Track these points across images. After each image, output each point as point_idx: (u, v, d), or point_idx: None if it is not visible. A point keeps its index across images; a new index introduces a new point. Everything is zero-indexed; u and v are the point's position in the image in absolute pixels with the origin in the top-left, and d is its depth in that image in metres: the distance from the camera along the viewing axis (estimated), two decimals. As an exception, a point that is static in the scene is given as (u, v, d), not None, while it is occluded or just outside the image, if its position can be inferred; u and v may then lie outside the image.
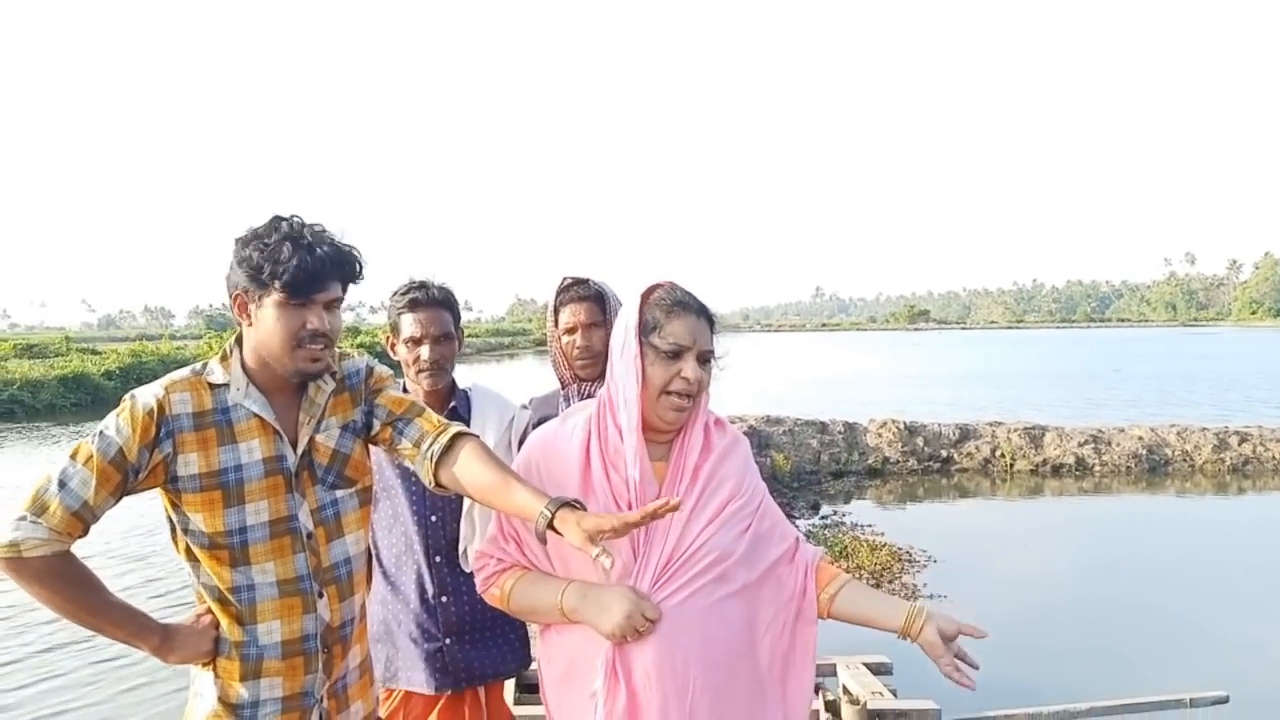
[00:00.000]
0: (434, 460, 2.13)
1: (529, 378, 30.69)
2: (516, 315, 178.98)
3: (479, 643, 2.93)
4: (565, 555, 2.16)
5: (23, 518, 1.87)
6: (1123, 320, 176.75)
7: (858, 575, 9.34)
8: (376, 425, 2.22)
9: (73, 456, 1.93)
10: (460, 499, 2.85)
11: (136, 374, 34.81)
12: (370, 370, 2.27)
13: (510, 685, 4.55)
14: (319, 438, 2.14)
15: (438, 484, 2.15)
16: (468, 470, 2.09)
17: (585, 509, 1.96)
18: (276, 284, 1.97)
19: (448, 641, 2.88)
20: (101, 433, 1.95)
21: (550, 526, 1.93)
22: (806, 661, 2.26)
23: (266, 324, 2.01)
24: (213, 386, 2.05)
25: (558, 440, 2.23)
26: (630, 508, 2.08)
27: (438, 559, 2.87)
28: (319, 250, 1.99)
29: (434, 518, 2.88)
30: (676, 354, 2.11)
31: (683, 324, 2.13)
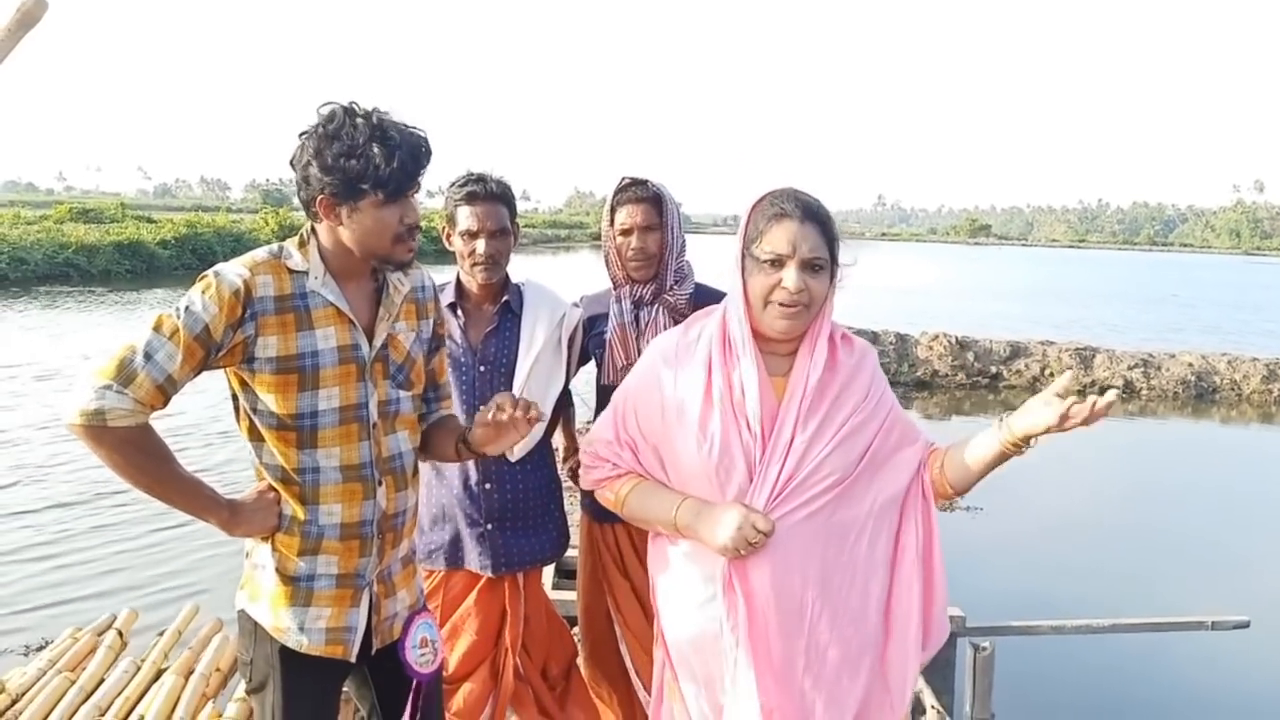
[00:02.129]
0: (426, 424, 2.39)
1: (585, 272, 30.66)
2: (575, 207, 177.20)
3: (520, 530, 3.00)
4: (683, 471, 2.17)
5: (108, 386, 1.86)
6: (1185, 245, 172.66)
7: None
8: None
9: (156, 329, 1.92)
10: (510, 386, 2.91)
11: (192, 245, 35.06)
12: (436, 293, 2.36)
13: (549, 571, 4.69)
14: (399, 336, 2.19)
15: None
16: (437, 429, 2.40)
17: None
18: (380, 192, 1.98)
19: (489, 527, 2.96)
20: (187, 308, 1.93)
21: (464, 443, 2.28)
22: (939, 573, 2.21)
23: (366, 225, 2.02)
24: (292, 272, 2.05)
25: (680, 352, 2.22)
26: (749, 423, 2.09)
27: (484, 447, 2.92)
28: (408, 147, 1.99)
29: (481, 406, 2.92)
30: (776, 263, 2.05)
31: (782, 232, 2.06)
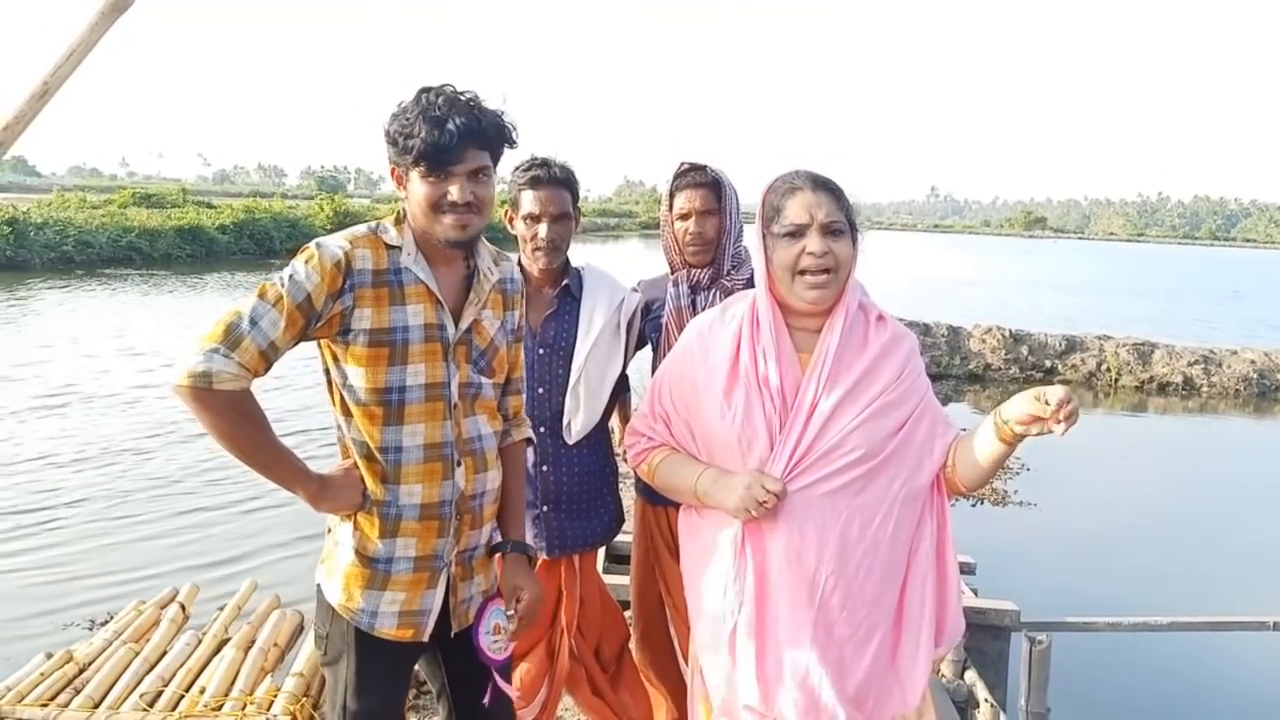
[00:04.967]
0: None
1: (634, 261, 30.66)
2: (624, 196, 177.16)
3: (575, 513, 3.02)
4: (710, 441, 2.22)
5: (215, 350, 1.90)
6: (1248, 240, 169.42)
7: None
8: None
9: (261, 296, 1.97)
10: (567, 374, 2.94)
11: (249, 230, 35.67)
12: (523, 288, 2.42)
13: (600, 554, 4.71)
14: (485, 323, 2.23)
15: None
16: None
17: (535, 560, 2.41)
18: (421, 163, 2.03)
19: (545, 509, 2.98)
20: (291, 277, 1.99)
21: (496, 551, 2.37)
22: (951, 569, 2.23)
23: (414, 194, 2.08)
24: (388, 247, 2.11)
25: (714, 329, 2.27)
26: (774, 396, 2.12)
27: (541, 429, 2.92)
28: (451, 123, 2.00)
29: (541, 390, 2.95)
30: (797, 233, 2.11)
31: (797, 203, 2.12)
